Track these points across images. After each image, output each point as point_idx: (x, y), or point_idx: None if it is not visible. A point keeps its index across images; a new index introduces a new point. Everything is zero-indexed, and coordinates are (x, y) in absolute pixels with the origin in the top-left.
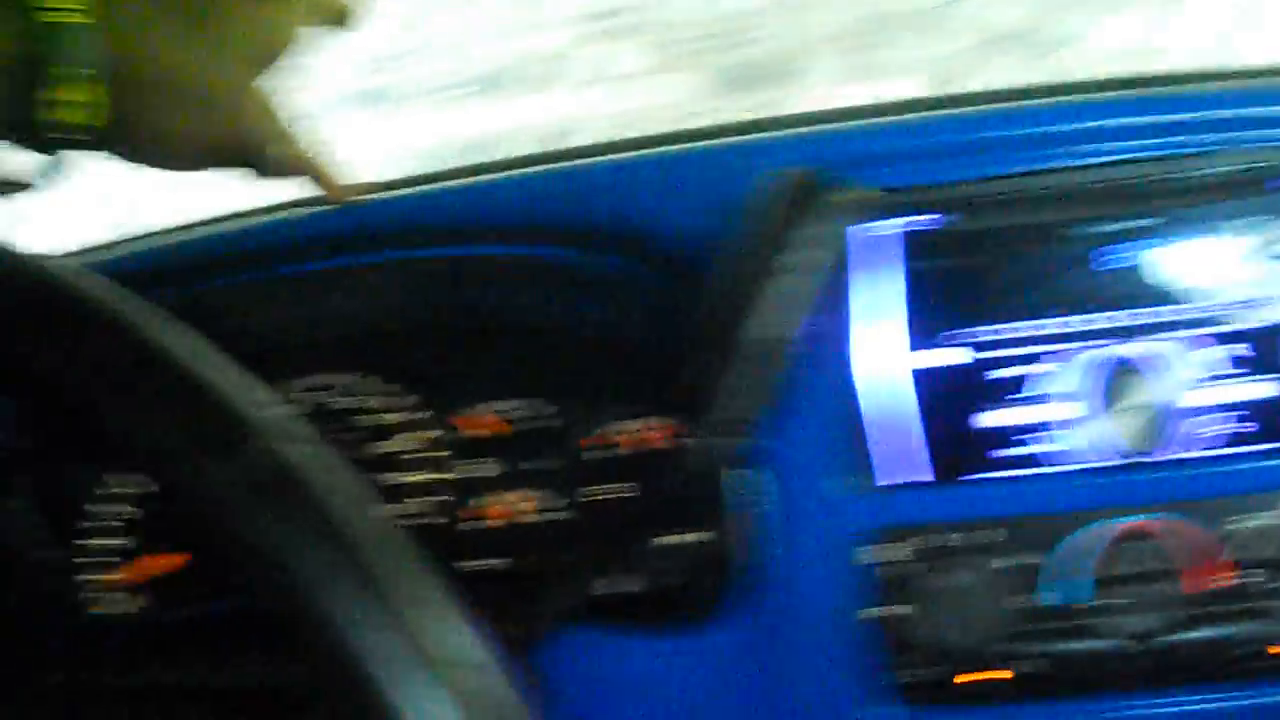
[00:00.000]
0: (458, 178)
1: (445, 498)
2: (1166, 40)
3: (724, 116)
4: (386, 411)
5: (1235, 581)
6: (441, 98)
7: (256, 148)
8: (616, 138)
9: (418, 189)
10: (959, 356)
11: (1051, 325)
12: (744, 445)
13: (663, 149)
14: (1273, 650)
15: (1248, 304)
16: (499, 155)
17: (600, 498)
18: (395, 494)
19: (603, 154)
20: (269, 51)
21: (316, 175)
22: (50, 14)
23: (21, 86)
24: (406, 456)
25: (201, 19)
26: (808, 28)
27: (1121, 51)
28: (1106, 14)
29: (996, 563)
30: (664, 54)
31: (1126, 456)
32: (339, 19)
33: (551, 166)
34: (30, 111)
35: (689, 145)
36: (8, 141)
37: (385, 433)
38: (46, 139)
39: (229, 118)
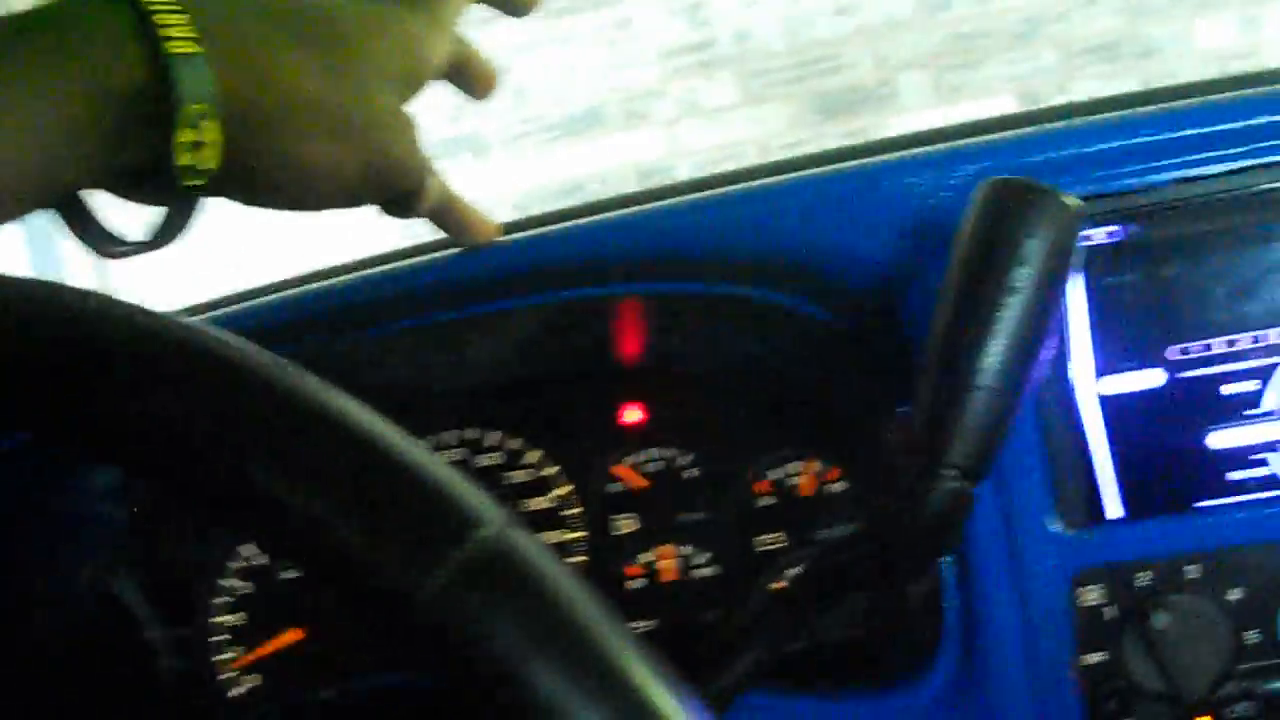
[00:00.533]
0: (596, 213)
1: (595, 557)
2: (1259, 41)
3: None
4: (538, 465)
5: None
6: (532, 141)
7: (400, 179)
8: (754, 163)
9: (557, 226)
10: (1183, 377)
11: (1259, 338)
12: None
13: (817, 170)
14: None
15: None
16: (594, 197)
17: (775, 548)
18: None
19: (747, 180)
20: (416, 72)
21: (461, 210)
22: (176, 43)
23: (143, 127)
24: (551, 514)
25: (334, 40)
26: (894, 52)
27: (1214, 55)
28: (1194, 19)
29: (1226, 600)
30: (754, 85)
31: None
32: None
33: (698, 196)
34: (153, 156)
35: (848, 164)
36: (128, 191)
37: (536, 488)
38: (171, 186)
39: (369, 148)
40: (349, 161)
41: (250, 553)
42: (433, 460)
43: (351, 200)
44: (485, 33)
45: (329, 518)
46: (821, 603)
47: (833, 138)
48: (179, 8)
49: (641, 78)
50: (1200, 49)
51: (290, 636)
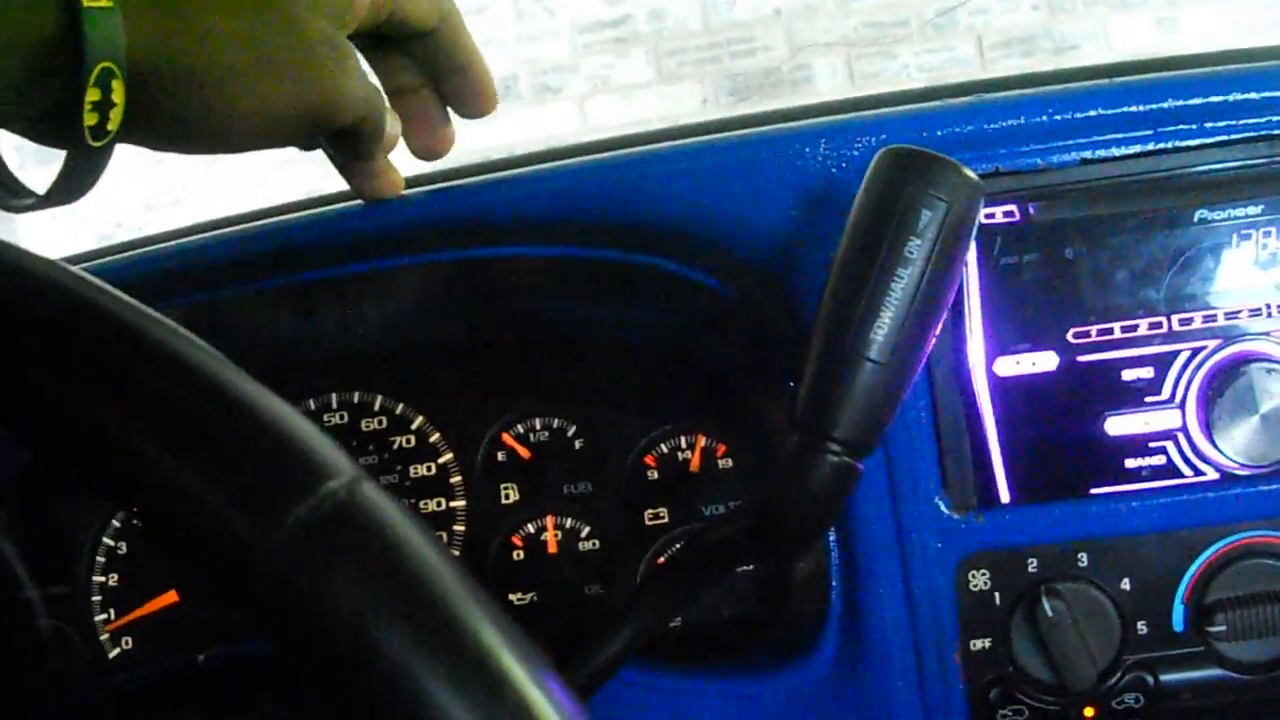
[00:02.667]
0: (490, 172)
1: (476, 526)
2: (1175, 41)
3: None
4: (421, 431)
5: None
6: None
7: (341, 112)
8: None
9: (448, 184)
10: (1081, 361)
11: (1158, 324)
12: (861, 466)
13: (720, 136)
14: None
15: None
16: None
17: (660, 523)
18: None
19: (645, 144)
20: (343, 5)
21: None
22: None
23: (52, 78)
24: (433, 481)
25: None
26: (810, 36)
27: (1129, 53)
28: (1111, 17)
29: (1117, 589)
30: (668, 63)
31: (1242, 469)
32: None
33: (593, 158)
34: (61, 108)
35: (750, 131)
36: (40, 137)
37: (419, 454)
38: (78, 140)
39: (303, 81)
40: (281, 98)
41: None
42: (284, 411)
43: (286, 139)
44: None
45: (172, 464)
46: (702, 579)
47: None
48: None
49: (555, 52)
50: (1116, 46)
51: (165, 599)
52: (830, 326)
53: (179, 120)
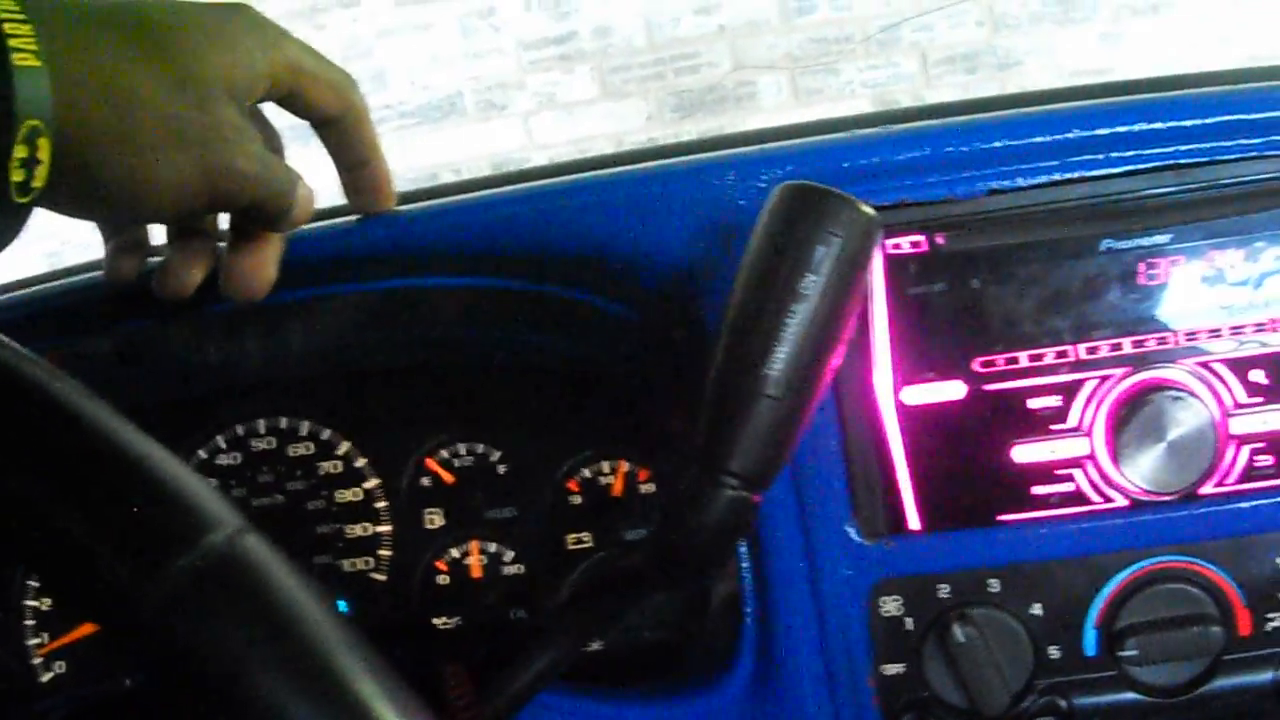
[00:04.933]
0: (412, 201)
1: (401, 551)
2: (1118, 57)
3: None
4: (347, 457)
5: (1272, 627)
6: (389, 127)
7: (245, 190)
8: (577, 157)
9: (370, 215)
10: (988, 390)
11: (1065, 353)
12: (762, 499)
13: (632, 167)
14: None
15: None
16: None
17: (583, 548)
18: (345, 549)
19: (566, 174)
20: (254, 85)
21: (287, 206)
22: (19, 55)
23: None
24: (359, 506)
25: (177, 52)
26: (754, 53)
27: (1073, 70)
28: (1055, 33)
29: (1028, 614)
30: (613, 80)
31: (1150, 496)
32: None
33: (513, 189)
34: None
35: (659, 164)
36: None
37: (345, 480)
38: (4, 194)
39: (210, 159)
40: (190, 170)
41: None
42: (169, 464)
43: (192, 211)
44: (347, 14)
45: (60, 515)
46: (615, 605)
47: (689, 135)
48: (24, 18)
49: (500, 68)
50: (1060, 63)
51: (89, 626)
52: (727, 361)
53: (97, 184)
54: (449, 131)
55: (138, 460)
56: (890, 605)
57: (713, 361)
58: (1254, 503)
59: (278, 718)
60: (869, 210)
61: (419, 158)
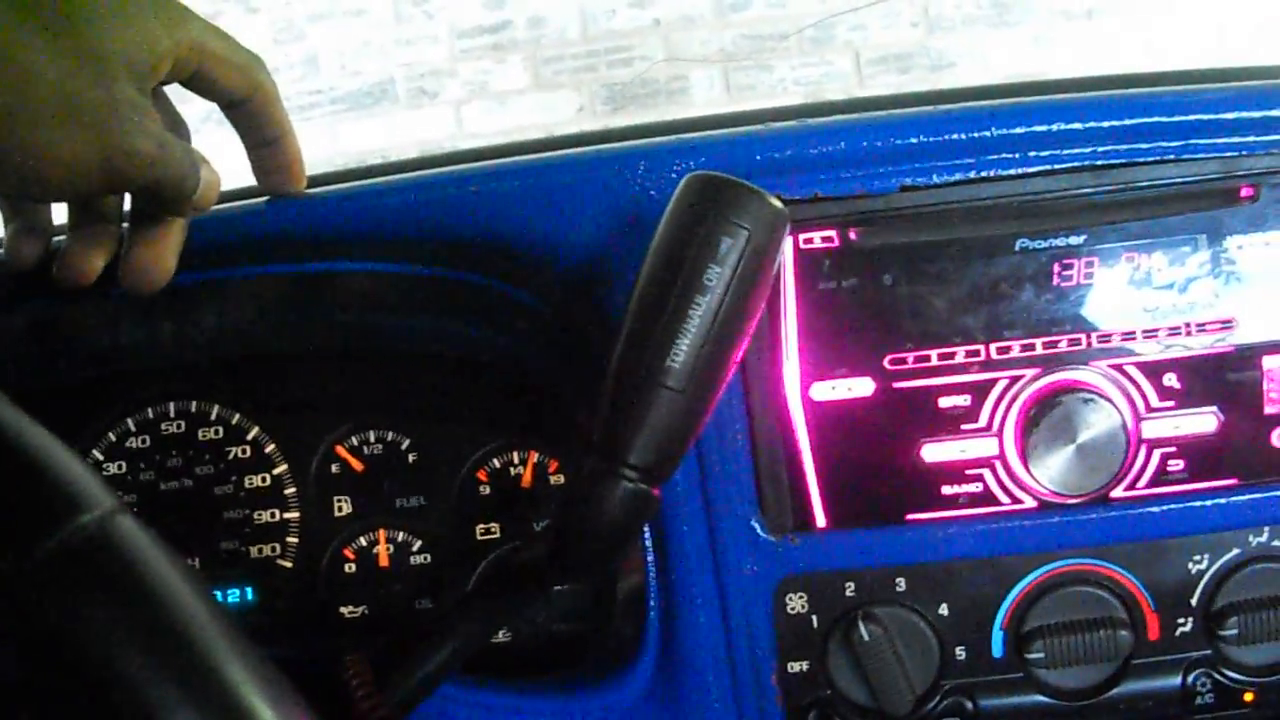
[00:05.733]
0: (324, 184)
1: (309, 538)
2: (1049, 61)
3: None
4: (257, 442)
5: (1180, 632)
6: (320, 113)
7: (141, 171)
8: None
9: (260, 200)
10: (898, 388)
11: (976, 352)
12: (661, 490)
13: (543, 155)
14: (1248, 698)
15: (1203, 328)
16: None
17: (492, 538)
18: (252, 535)
19: (480, 159)
20: (155, 65)
21: (189, 190)
22: None
23: None
24: (267, 492)
25: (76, 26)
26: (688, 48)
27: (1004, 75)
28: (988, 35)
29: (935, 614)
30: (545, 71)
31: (1059, 498)
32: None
33: (422, 174)
34: None
35: (571, 151)
36: None
37: (254, 465)
38: None
39: (107, 137)
40: (84, 147)
41: None
42: (43, 444)
43: (89, 189)
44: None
45: None
46: (518, 598)
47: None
48: None
49: (433, 56)
50: (993, 66)
51: None
52: (628, 351)
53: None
54: (379, 118)
55: (10, 437)
56: (796, 602)
57: (613, 353)
58: (1165, 507)
59: (143, 702)
60: (777, 203)
61: (349, 144)
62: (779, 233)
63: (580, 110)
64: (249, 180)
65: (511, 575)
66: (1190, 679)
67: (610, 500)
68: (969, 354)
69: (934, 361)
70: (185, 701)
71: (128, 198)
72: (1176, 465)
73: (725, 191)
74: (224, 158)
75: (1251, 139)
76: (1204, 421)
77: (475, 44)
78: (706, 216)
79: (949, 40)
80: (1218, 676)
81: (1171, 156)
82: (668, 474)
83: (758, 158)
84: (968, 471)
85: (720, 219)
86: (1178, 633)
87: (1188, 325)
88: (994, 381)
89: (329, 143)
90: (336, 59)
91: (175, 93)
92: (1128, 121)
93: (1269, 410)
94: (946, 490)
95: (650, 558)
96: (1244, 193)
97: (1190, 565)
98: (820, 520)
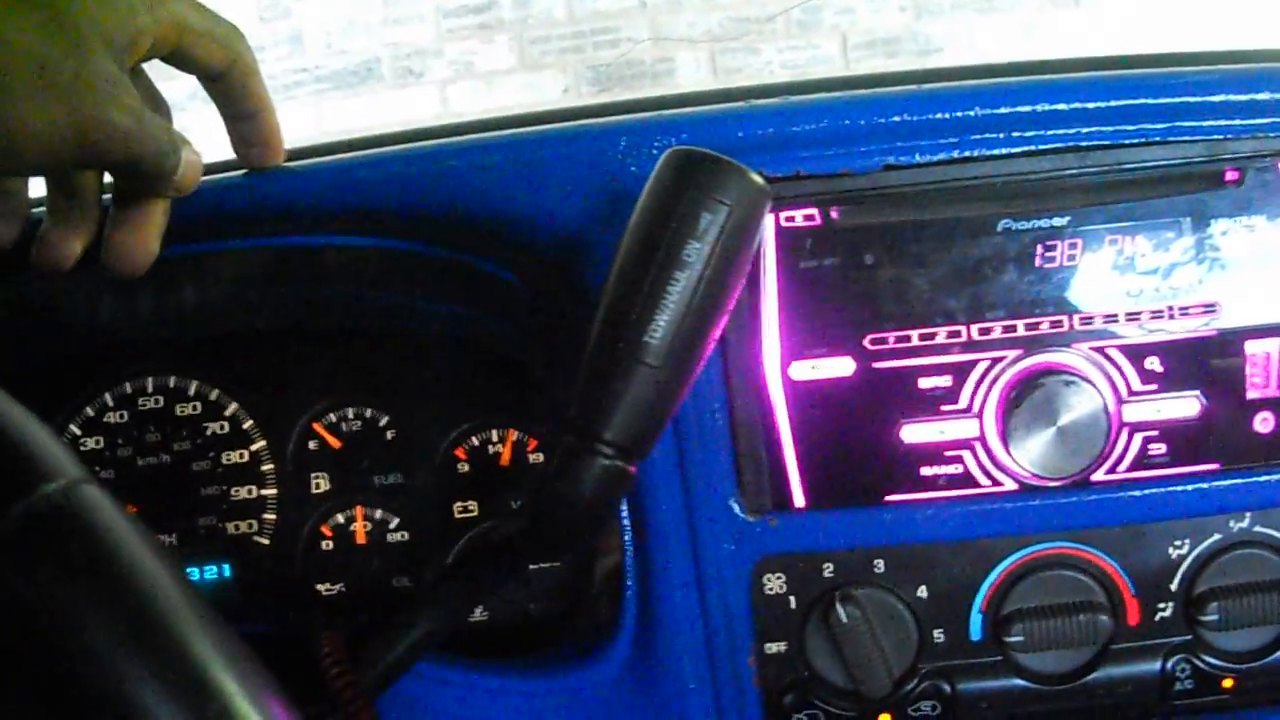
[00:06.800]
0: (304, 158)
1: (286, 515)
2: (1036, 47)
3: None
4: (235, 418)
5: (1160, 617)
6: (305, 91)
7: (117, 146)
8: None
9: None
10: (878, 368)
11: (957, 333)
12: (638, 468)
13: (523, 130)
14: (1227, 684)
15: (1186, 312)
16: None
17: (470, 517)
18: (230, 512)
19: (457, 134)
20: (136, 40)
21: (169, 169)
22: None
23: None
24: (245, 468)
25: (45, 2)
26: (674, 29)
27: (992, 57)
28: (977, 21)
29: (913, 597)
30: (531, 51)
31: (1040, 481)
32: None
33: (404, 148)
34: None
35: (552, 127)
36: None
37: (232, 441)
38: None
39: (83, 110)
40: (61, 122)
41: None
42: (8, 410)
43: (64, 163)
44: None
45: None
46: (494, 576)
47: None
48: None
49: (419, 35)
50: (980, 50)
51: None
52: (606, 327)
53: None
54: (364, 98)
55: None
56: (773, 583)
57: (591, 329)
58: (1146, 491)
59: (108, 672)
60: (758, 179)
61: (333, 123)
62: (760, 209)
63: (566, 91)
64: (229, 153)
65: (488, 553)
66: (1169, 664)
67: (586, 477)
68: (950, 335)
69: (915, 342)
70: (150, 673)
71: (108, 180)
72: (1158, 449)
73: (706, 167)
74: (210, 134)
75: (1237, 122)
76: (1186, 405)
77: (461, 24)
78: (687, 192)
79: (937, 25)
80: (1197, 662)
81: (1157, 139)
82: (645, 451)
83: (740, 134)
84: (947, 453)
85: (701, 194)
86: (1157, 618)
87: (1170, 309)
88: (975, 363)
89: (314, 122)
90: (322, 37)
91: (160, 69)
92: (1113, 103)
93: (1251, 395)
94: (926, 471)
95: (628, 537)
96: (1229, 176)
97: (1171, 550)
98: (799, 500)
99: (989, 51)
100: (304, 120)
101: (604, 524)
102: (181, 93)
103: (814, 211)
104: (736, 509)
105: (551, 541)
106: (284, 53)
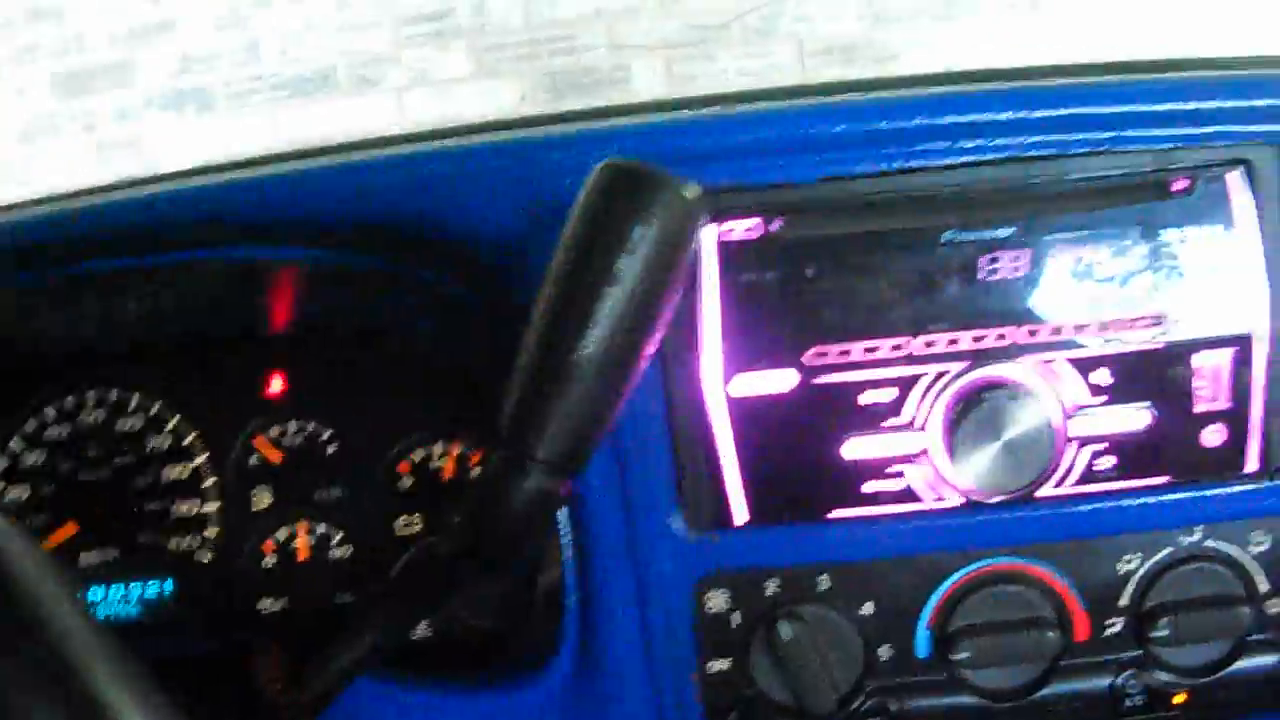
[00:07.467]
0: (251, 167)
1: (228, 531)
2: (995, 55)
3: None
4: (177, 431)
5: (1110, 633)
6: (261, 99)
7: None
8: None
9: (189, 183)
10: (820, 383)
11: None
12: (572, 484)
13: (462, 142)
14: (1179, 700)
15: (1134, 324)
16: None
17: (413, 532)
18: (172, 527)
19: (397, 145)
20: None
21: None
22: None
23: None
24: (187, 483)
25: None
26: (630, 37)
27: (949, 64)
28: (932, 27)
29: (858, 614)
30: (487, 59)
31: (985, 496)
32: None
33: (342, 159)
34: None
35: (489, 138)
36: None
37: (174, 456)
38: None
39: None
40: None
41: None
42: None
43: None
44: None
45: None
46: (423, 593)
47: None
48: None
49: (375, 43)
50: (937, 58)
51: None
52: (538, 343)
53: None
54: (321, 105)
55: None
56: (716, 600)
57: (522, 344)
58: (1094, 506)
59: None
60: (690, 191)
61: (290, 131)
62: (692, 222)
63: (523, 99)
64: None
65: (425, 572)
66: (1120, 680)
67: (518, 493)
68: (893, 348)
69: (857, 356)
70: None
71: None
72: (1106, 463)
73: (637, 180)
74: (170, 141)
75: (1185, 131)
76: (1134, 419)
77: (418, 31)
78: (617, 205)
79: (894, 32)
80: (1148, 678)
81: (1103, 149)
82: (578, 468)
83: (679, 146)
84: (891, 468)
85: (631, 208)
86: (1107, 633)
87: (1118, 321)
88: (918, 376)
89: (270, 130)
90: (278, 45)
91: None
92: (1058, 112)
93: (1200, 408)
94: (869, 487)
95: (568, 554)
96: (1177, 186)
97: (1120, 565)
98: (740, 517)
99: (947, 58)
100: (260, 128)
101: (538, 541)
102: (138, 100)
103: (755, 223)
104: (677, 526)
105: (486, 559)
106: (240, 60)
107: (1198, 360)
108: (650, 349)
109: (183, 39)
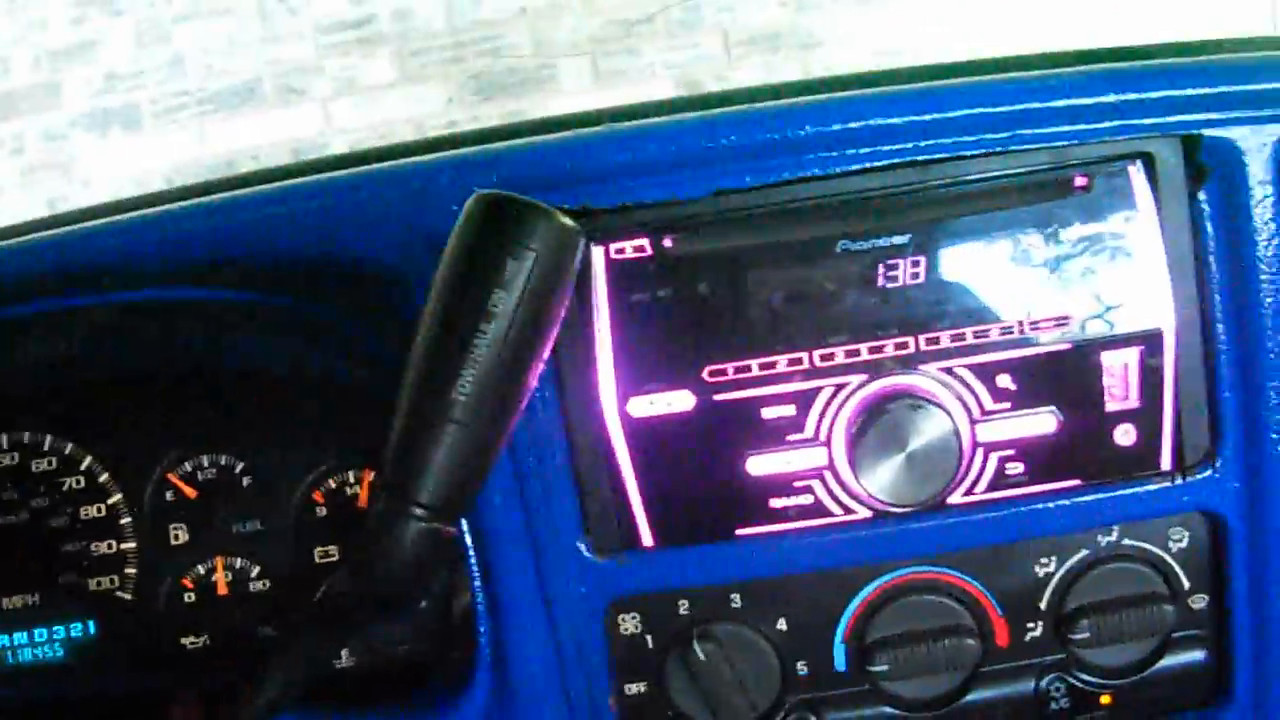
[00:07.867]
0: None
1: (147, 569)
2: (917, 42)
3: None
4: (90, 471)
5: (1031, 637)
6: (187, 114)
7: None
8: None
9: (78, 227)
10: (720, 400)
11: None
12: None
13: (346, 173)
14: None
15: (1037, 326)
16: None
17: (332, 561)
18: (91, 567)
19: (281, 178)
20: None
21: None
22: None
23: None
24: (103, 523)
25: None
26: (555, 35)
27: (871, 53)
28: (856, 12)
29: (773, 630)
30: (412, 64)
31: (893, 507)
32: None
33: (225, 195)
34: None
35: (374, 167)
36: None
37: (89, 495)
38: None
39: None
40: None
41: None
42: None
43: None
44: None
45: None
46: (326, 633)
47: (490, 119)
48: None
49: (299, 53)
50: (862, 43)
51: None
52: (415, 385)
53: None
54: (248, 118)
55: None
56: (628, 623)
57: (400, 386)
58: (1006, 511)
59: None
60: (567, 221)
61: (217, 145)
62: (571, 252)
63: (450, 102)
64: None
65: (324, 614)
66: (1044, 684)
67: (402, 541)
68: (791, 362)
69: (755, 372)
70: None
71: None
72: (1016, 468)
73: (510, 211)
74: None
75: (1083, 126)
76: (1042, 422)
77: (341, 39)
78: (491, 239)
79: (817, 19)
80: (1071, 680)
81: (998, 149)
82: (463, 510)
83: (562, 167)
84: (796, 484)
85: (505, 241)
86: (1028, 638)
87: (1021, 324)
88: (818, 390)
89: (197, 145)
90: (203, 59)
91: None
92: (950, 114)
93: (1110, 407)
94: (776, 503)
95: (476, 582)
96: (1078, 182)
97: (1037, 568)
98: (647, 539)
99: (872, 44)
100: (187, 144)
101: (434, 579)
102: (62, 121)
103: (644, 242)
104: (584, 550)
105: (380, 600)
106: (164, 76)
107: (1106, 359)
108: (532, 384)
109: (106, 58)
